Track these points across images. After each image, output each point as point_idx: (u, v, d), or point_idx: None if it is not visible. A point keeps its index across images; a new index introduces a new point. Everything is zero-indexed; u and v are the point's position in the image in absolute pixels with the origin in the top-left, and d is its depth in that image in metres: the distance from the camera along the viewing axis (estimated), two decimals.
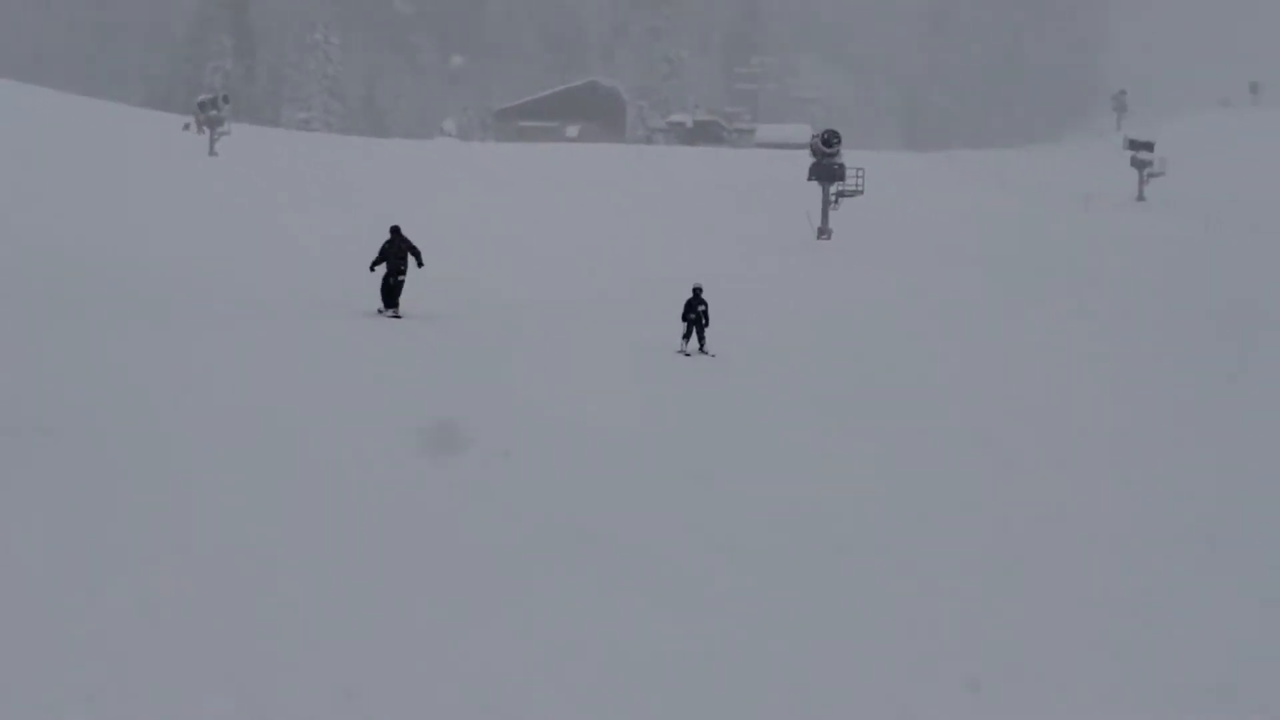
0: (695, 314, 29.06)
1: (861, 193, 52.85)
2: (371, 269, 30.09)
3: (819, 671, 13.40)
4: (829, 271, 42.85)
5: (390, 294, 29.94)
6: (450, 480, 17.94)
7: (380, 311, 29.93)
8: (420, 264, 29.89)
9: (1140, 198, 73.41)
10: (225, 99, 75.55)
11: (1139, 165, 74.60)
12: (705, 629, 14.03)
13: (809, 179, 52.20)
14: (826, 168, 51.45)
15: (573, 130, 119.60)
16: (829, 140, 51.19)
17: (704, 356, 28.92)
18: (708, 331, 29.16)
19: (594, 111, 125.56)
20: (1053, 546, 18.16)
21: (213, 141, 71.93)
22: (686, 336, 29.13)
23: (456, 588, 14.39)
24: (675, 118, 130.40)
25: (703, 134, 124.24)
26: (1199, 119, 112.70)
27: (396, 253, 29.81)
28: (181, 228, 41.76)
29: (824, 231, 51.09)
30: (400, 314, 29.79)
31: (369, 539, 15.43)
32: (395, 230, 30.17)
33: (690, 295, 29.14)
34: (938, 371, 29.74)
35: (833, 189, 51.78)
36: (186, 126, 78.75)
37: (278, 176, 61.16)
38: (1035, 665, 14.07)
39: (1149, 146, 74.77)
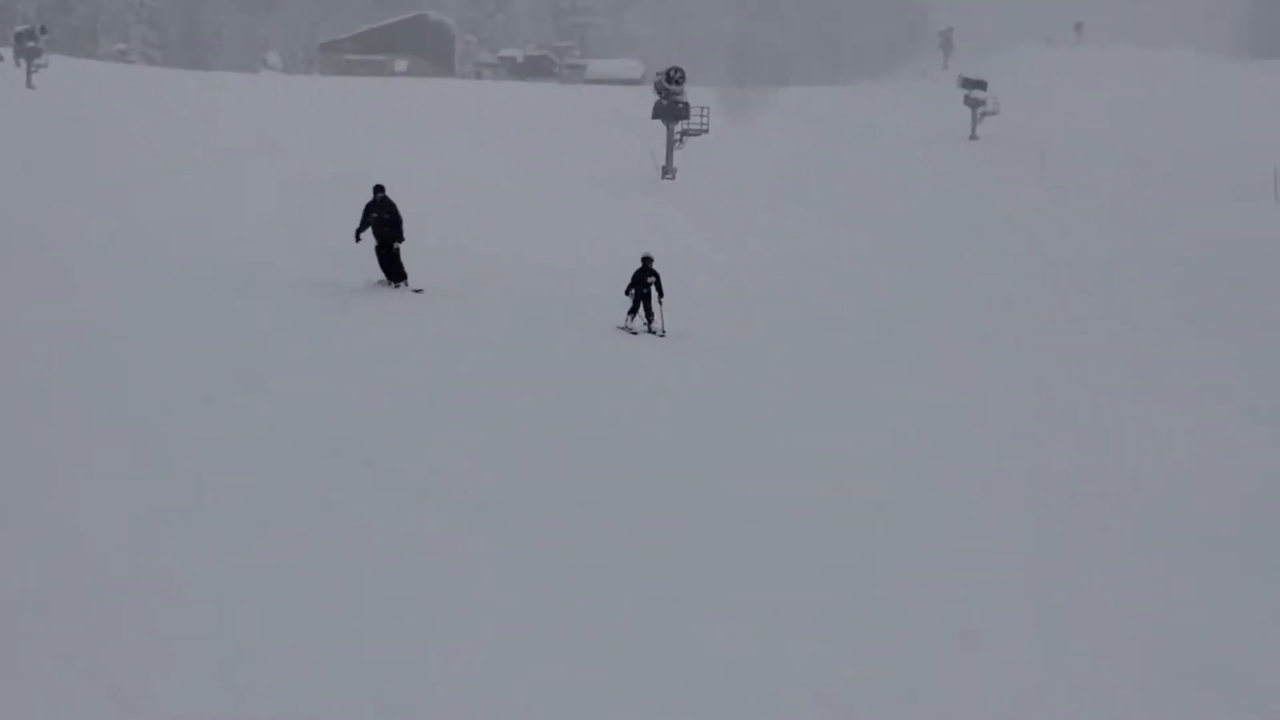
0: (646, 286, 26.16)
1: (706, 131, 52.35)
2: (357, 238, 26.30)
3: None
4: (689, 214, 42.21)
5: (390, 265, 26.34)
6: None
7: (384, 284, 26.45)
8: (400, 237, 26.20)
9: (973, 136, 74.22)
10: (43, 30, 72.47)
11: (972, 104, 75.41)
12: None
13: (653, 117, 51.51)
14: (671, 106, 50.81)
15: (401, 64, 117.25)
16: (674, 78, 50.51)
17: (652, 336, 26.02)
18: (662, 306, 26.15)
19: (422, 45, 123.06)
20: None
21: (30, 74, 68.91)
22: (633, 311, 26.23)
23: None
24: (506, 53, 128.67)
25: (534, 69, 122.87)
26: (1024, 57, 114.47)
27: (387, 218, 26.05)
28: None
29: (669, 171, 50.54)
30: (401, 285, 26.34)
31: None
32: (379, 189, 26.25)
33: (639, 265, 26.19)
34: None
35: (677, 128, 51.18)
36: (1, 59, 75.35)
37: (101, 111, 58.71)
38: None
39: (982, 85, 75.59)
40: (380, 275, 26.45)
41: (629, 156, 52.10)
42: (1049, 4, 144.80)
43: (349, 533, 14.10)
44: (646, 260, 26.23)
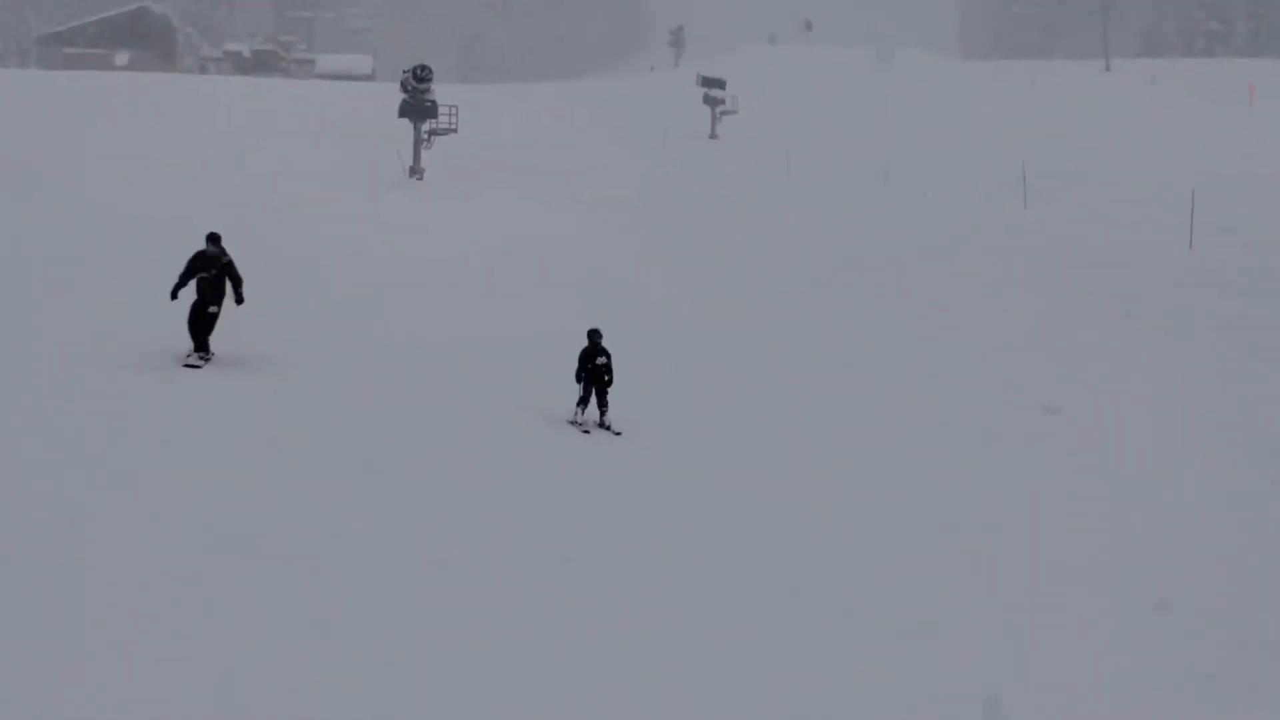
0: (594, 367, 21.50)
1: (455, 130, 51.24)
2: (174, 295, 21.18)
3: None
4: (444, 214, 41.21)
5: (202, 328, 21.28)
6: None
7: (190, 357, 21.28)
8: (240, 298, 21.38)
9: (713, 135, 74.79)
10: None
11: (711, 103, 75.96)
12: None
13: (400, 116, 50.15)
14: (418, 105, 49.50)
15: (122, 58, 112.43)
16: (421, 76, 49.19)
17: (604, 433, 21.51)
18: (611, 393, 21.65)
19: (144, 39, 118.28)
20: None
21: None
22: (583, 402, 21.54)
23: None
24: (231, 46, 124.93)
25: (260, 64, 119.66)
26: (752, 54, 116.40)
27: (213, 274, 21.20)
28: None
29: (416, 171, 49.29)
30: (209, 355, 21.39)
31: None
32: (215, 239, 21.37)
33: (587, 344, 21.60)
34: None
35: (425, 126, 49.95)
36: None
37: None
38: None
39: (720, 84, 76.20)
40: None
41: (375, 155, 50.72)
42: (777, 3, 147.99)
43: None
44: (594, 336, 21.70)
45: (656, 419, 22.04)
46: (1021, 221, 48.39)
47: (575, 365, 21.48)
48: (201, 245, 21.32)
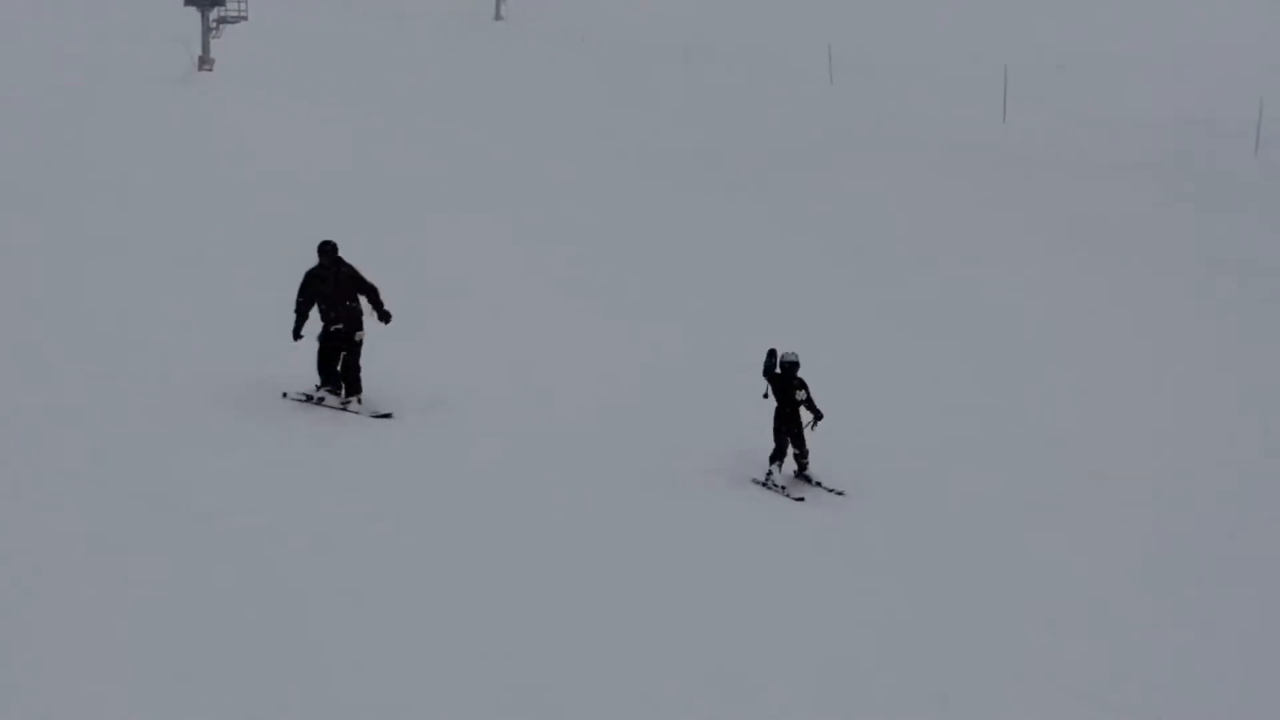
0: (792, 406, 16.42)
1: (245, 18, 48.47)
2: (296, 334, 17.28)
3: None
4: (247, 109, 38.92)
5: (332, 361, 17.47)
6: None
7: (316, 392, 17.64)
8: (384, 315, 17.33)
9: (499, 16, 72.82)
10: None
11: None
12: None
13: (186, 4, 47.17)
14: None
15: None
16: None
17: (815, 490, 16.56)
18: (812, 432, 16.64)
19: None
20: None
21: None
22: (779, 456, 16.38)
23: None
24: None
25: None
26: None
27: (331, 292, 17.18)
28: None
29: (205, 62, 46.50)
30: (355, 402, 17.50)
31: None
32: (326, 250, 17.23)
33: (773, 363, 16.43)
34: None
35: (213, 15, 47.11)
36: None
37: None
38: None
39: None
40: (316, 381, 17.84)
41: (154, 47, 47.81)
42: None
43: None
44: (791, 366, 16.41)
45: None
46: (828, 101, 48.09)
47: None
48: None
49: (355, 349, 17.35)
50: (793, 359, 16.47)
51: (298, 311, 17.19)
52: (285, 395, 17.73)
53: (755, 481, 16.60)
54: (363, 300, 17.28)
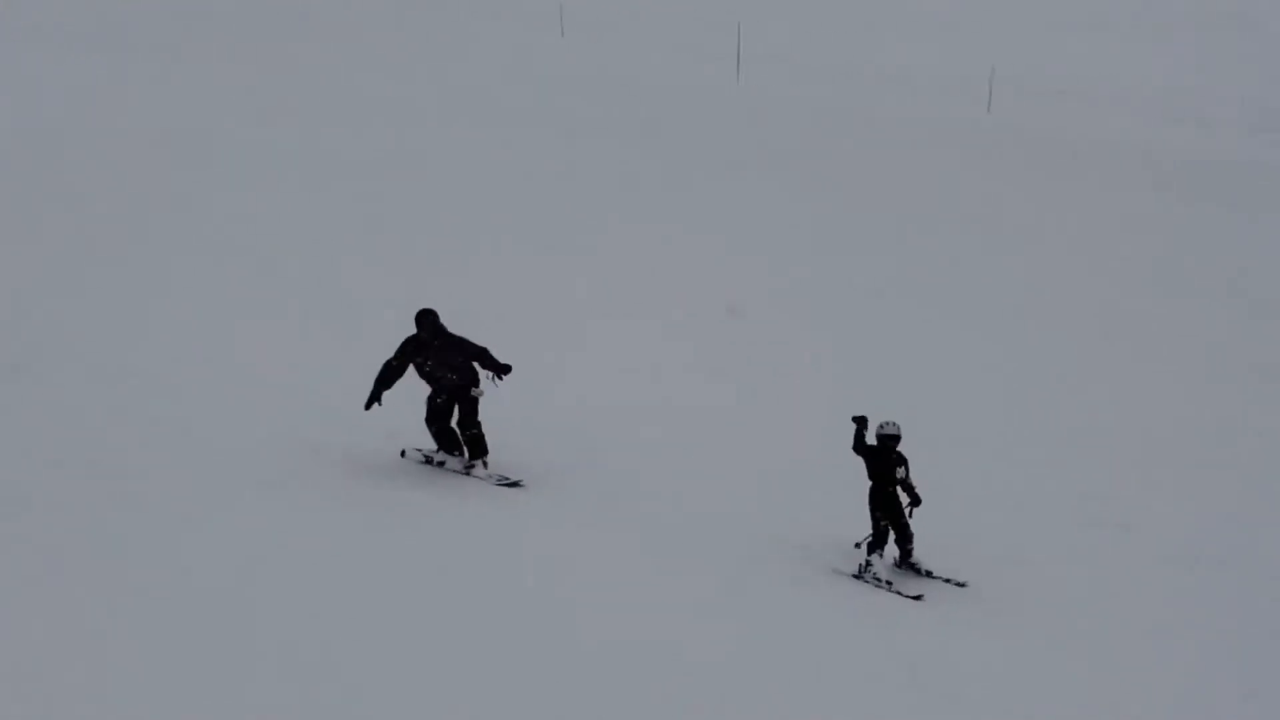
0: (892, 486, 13.61)
1: None
2: (368, 405, 14.71)
3: None
4: None
5: (445, 423, 15.18)
6: None
7: (437, 454, 15.27)
8: (501, 369, 14.68)
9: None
10: None
11: None
12: None
13: None
14: None
15: None
16: None
17: (929, 583, 13.74)
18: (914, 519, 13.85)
19: None
20: None
21: None
22: (878, 542, 13.69)
23: None
24: None
25: None
26: None
27: (429, 366, 14.87)
28: None
29: None
30: (480, 466, 15.14)
31: None
32: (424, 320, 14.69)
33: (870, 441, 13.62)
34: None
35: None
36: None
37: None
38: None
39: None
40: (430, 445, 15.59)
41: None
42: None
43: None
44: (890, 440, 13.52)
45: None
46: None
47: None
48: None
49: (472, 405, 15.02)
50: (893, 431, 13.52)
51: (379, 379, 14.67)
52: (404, 454, 15.28)
53: (851, 575, 13.68)
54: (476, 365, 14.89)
